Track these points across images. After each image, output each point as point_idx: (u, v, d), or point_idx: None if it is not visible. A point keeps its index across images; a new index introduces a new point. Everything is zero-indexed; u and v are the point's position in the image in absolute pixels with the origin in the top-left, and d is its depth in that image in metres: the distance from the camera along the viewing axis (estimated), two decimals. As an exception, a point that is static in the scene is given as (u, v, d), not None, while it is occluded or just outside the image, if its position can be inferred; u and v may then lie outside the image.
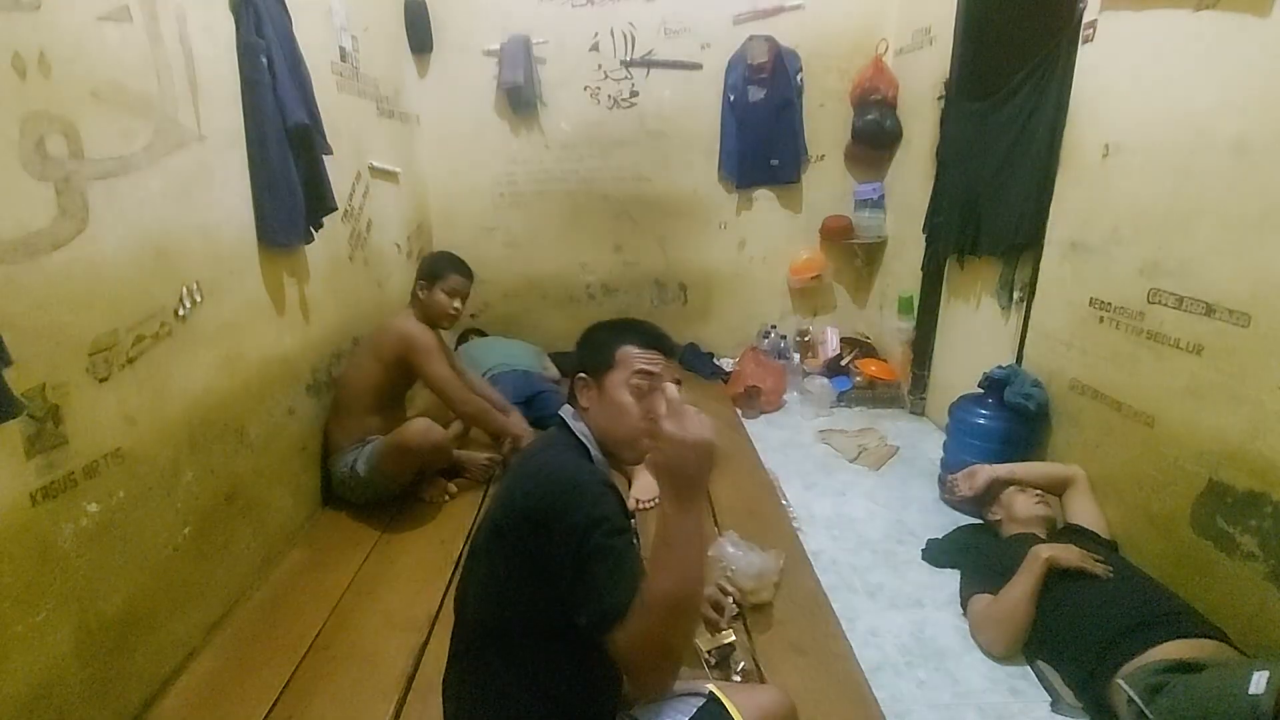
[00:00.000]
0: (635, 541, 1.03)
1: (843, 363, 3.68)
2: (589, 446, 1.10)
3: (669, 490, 0.89)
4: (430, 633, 1.67)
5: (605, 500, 0.97)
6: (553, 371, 3.42)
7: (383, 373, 2.30)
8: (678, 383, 1.09)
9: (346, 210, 2.58)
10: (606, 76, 3.60)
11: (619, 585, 0.88)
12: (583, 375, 1.14)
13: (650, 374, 1.11)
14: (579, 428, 1.12)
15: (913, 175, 3.35)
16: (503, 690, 1.00)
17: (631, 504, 2.17)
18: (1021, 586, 1.70)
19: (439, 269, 2.35)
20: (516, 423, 2.52)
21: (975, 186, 2.71)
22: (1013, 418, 2.34)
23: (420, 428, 2.16)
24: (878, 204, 3.66)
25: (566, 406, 1.16)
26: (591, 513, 0.93)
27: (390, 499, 2.30)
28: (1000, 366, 2.44)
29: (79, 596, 1.31)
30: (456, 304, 2.36)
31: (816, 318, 3.99)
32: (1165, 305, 1.83)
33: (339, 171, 2.43)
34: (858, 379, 3.56)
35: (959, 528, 2.27)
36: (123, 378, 1.43)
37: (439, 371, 2.30)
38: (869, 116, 3.47)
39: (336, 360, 2.48)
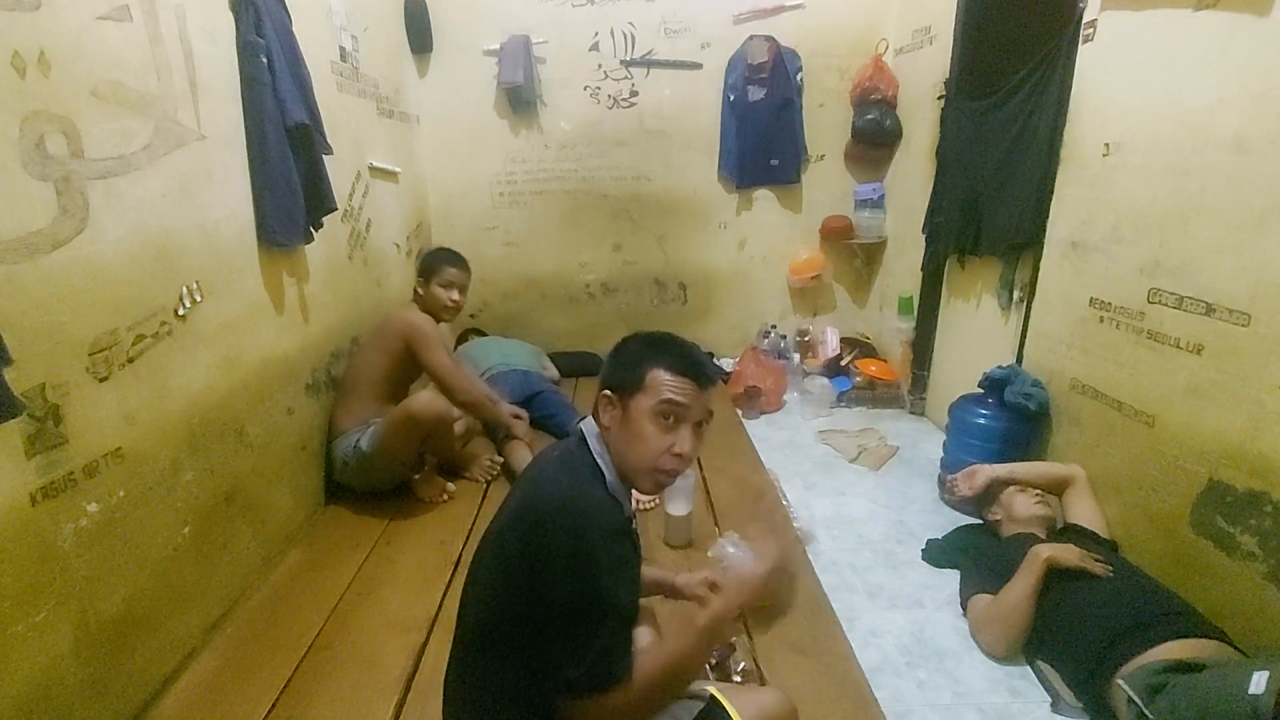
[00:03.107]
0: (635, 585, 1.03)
1: (843, 363, 3.68)
2: (605, 471, 1.05)
3: (730, 612, 1.01)
4: (430, 633, 1.67)
5: (617, 567, 0.96)
6: (552, 371, 3.42)
7: (388, 362, 2.35)
8: (709, 417, 1.08)
9: (346, 210, 2.58)
10: (606, 76, 3.60)
11: (611, 658, 0.93)
12: (608, 391, 1.07)
13: (678, 405, 1.03)
14: (597, 449, 1.06)
15: (913, 175, 3.35)
16: (500, 694, 1.00)
17: (632, 505, 2.18)
18: (1021, 586, 1.70)
19: (433, 265, 2.43)
20: (507, 414, 2.59)
21: (975, 186, 2.71)
22: (1013, 418, 2.34)
23: (427, 397, 2.19)
24: (878, 204, 3.66)
25: (590, 421, 1.10)
26: (598, 581, 0.93)
27: (389, 492, 2.32)
28: (1000, 366, 2.44)
29: (79, 596, 1.31)
30: (454, 295, 2.42)
31: (816, 318, 3.99)
32: (1165, 305, 1.83)
33: (339, 171, 2.43)
34: (858, 379, 3.56)
35: (959, 528, 2.27)
36: (123, 377, 1.43)
37: (440, 360, 2.34)
38: (869, 116, 3.47)
39: (336, 360, 2.49)
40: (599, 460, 1.06)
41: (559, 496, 0.99)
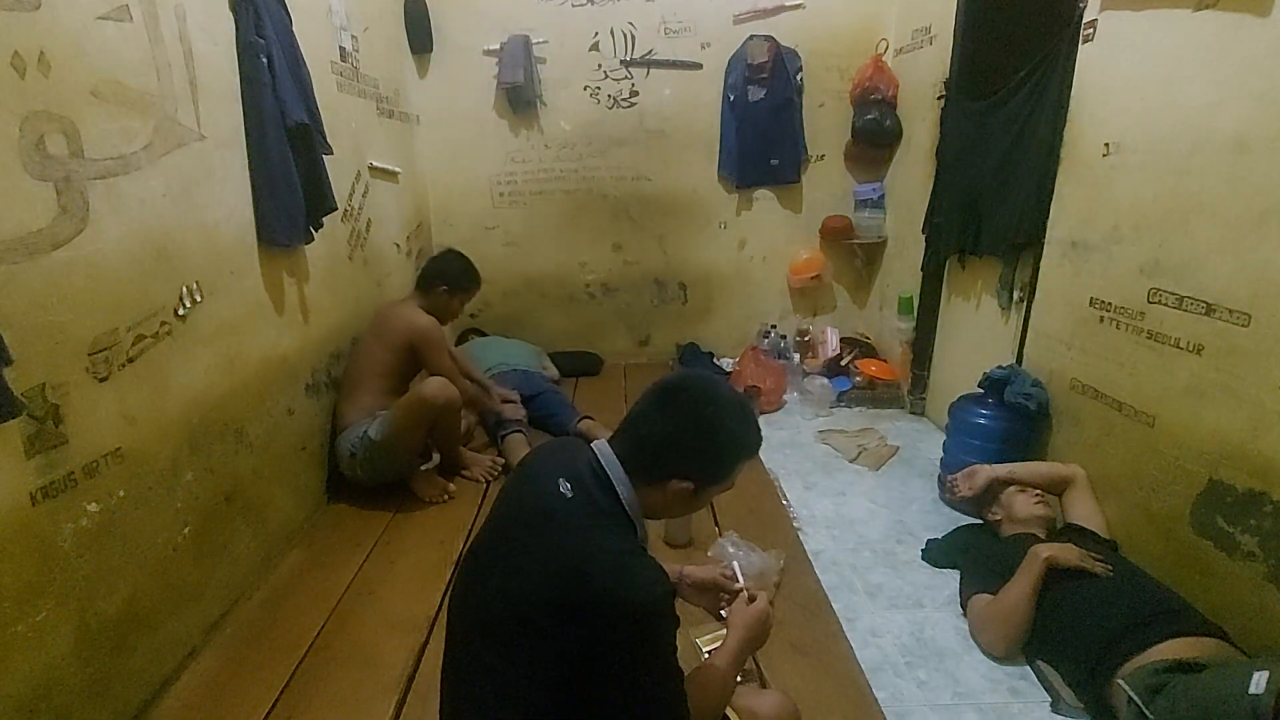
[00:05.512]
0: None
1: (843, 363, 3.68)
2: (638, 526, 1.05)
3: (750, 647, 1.19)
4: (430, 633, 1.68)
5: (674, 632, 1.00)
6: (552, 371, 3.42)
7: (391, 359, 2.38)
8: None
9: (346, 210, 2.58)
10: (606, 76, 3.60)
11: (674, 696, 0.98)
12: (687, 483, 1.03)
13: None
14: (628, 498, 1.03)
15: (913, 175, 3.35)
16: (501, 690, 1.00)
17: None
18: (1021, 586, 1.70)
19: (467, 282, 2.53)
20: (498, 401, 2.73)
21: (975, 186, 2.70)
22: (1013, 418, 2.33)
23: (438, 383, 2.24)
24: (878, 204, 3.66)
25: (621, 473, 1.03)
26: (665, 656, 0.97)
27: (390, 492, 2.32)
28: (1000, 366, 2.44)
29: (79, 596, 1.31)
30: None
31: (816, 318, 3.99)
32: (1165, 305, 1.83)
33: (339, 171, 2.43)
34: (858, 379, 3.56)
35: (959, 528, 2.27)
36: (123, 377, 1.43)
37: (446, 364, 2.40)
38: (869, 116, 3.47)
39: (336, 360, 2.49)
40: (629, 511, 1.03)
41: (622, 589, 0.93)
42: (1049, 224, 2.31)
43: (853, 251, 3.82)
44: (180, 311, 1.62)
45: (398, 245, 3.19)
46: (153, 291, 1.53)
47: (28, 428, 1.20)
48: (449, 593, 1.80)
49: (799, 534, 2.22)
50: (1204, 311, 1.71)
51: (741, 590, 1.28)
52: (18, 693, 1.17)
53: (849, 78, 3.55)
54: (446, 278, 2.47)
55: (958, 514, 2.40)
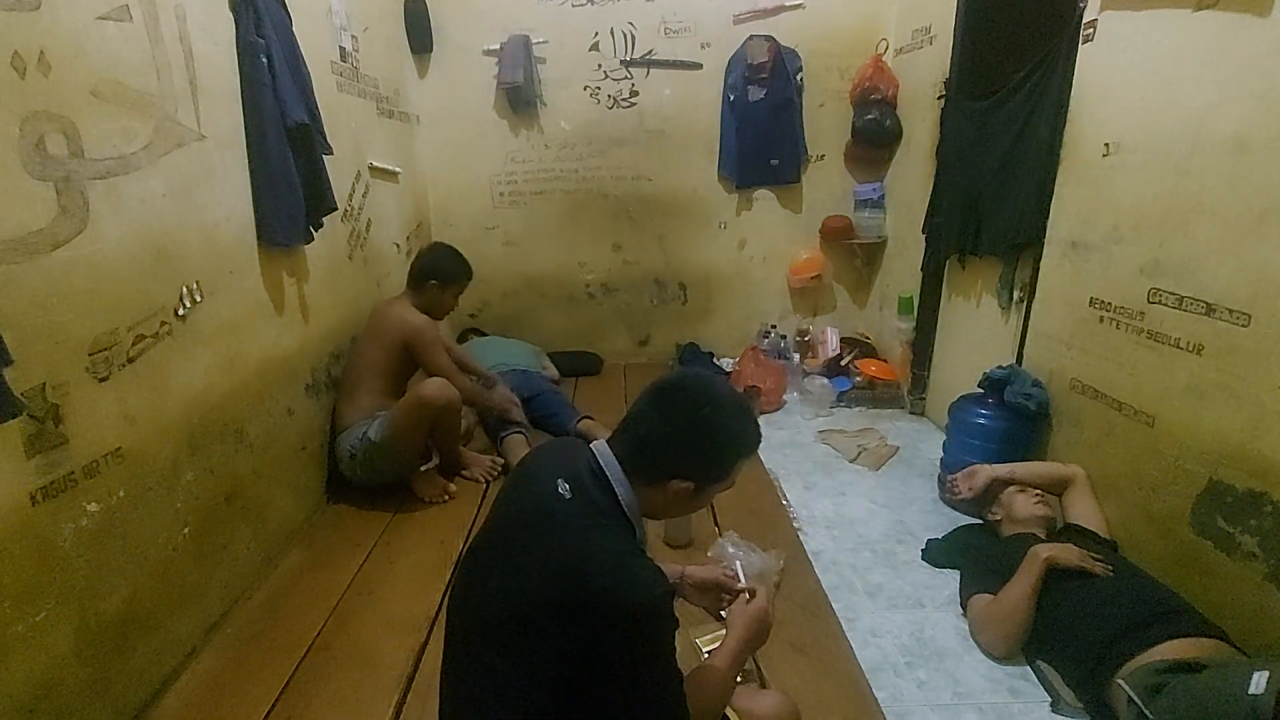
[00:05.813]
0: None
1: (843, 363, 3.68)
2: (636, 526, 1.05)
3: (749, 647, 1.18)
4: (430, 633, 1.68)
5: (671, 613, 0.99)
6: (552, 371, 3.42)
7: (386, 358, 2.38)
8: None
9: (346, 210, 2.58)
10: (606, 76, 3.60)
11: (674, 696, 0.98)
12: (687, 483, 1.03)
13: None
14: (626, 498, 1.03)
15: (913, 175, 3.35)
16: (501, 690, 1.00)
17: None
18: (1021, 586, 1.70)
19: (457, 274, 2.47)
20: (499, 400, 2.67)
21: (975, 186, 2.70)
22: (1013, 418, 2.34)
23: (438, 384, 2.23)
24: (878, 204, 3.66)
25: (620, 474, 1.04)
26: (664, 659, 0.97)
27: (390, 492, 2.32)
28: (1000, 366, 2.44)
29: (79, 596, 1.31)
30: (457, 303, 2.55)
31: (816, 318, 3.99)
32: (1165, 305, 1.83)
33: (339, 171, 2.43)
34: (858, 379, 3.56)
35: (959, 528, 2.27)
36: (123, 377, 1.43)
37: (442, 363, 2.39)
38: (869, 116, 3.47)
39: (336, 360, 2.49)
40: (628, 512, 1.03)
41: (622, 589, 0.93)
42: (1049, 224, 2.31)
43: (853, 251, 3.82)
44: (180, 311, 1.62)
45: (397, 245, 3.20)
46: (153, 291, 1.53)
47: (28, 428, 1.20)
48: (449, 593, 1.81)
49: (799, 534, 2.22)
50: (1204, 311, 1.71)
51: (744, 590, 1.28)
52: (18, 692, 1.17)
53: (849, 78, 3.55)
54: (437, 273, 2.43)
55: (958, 514, 2.40)
